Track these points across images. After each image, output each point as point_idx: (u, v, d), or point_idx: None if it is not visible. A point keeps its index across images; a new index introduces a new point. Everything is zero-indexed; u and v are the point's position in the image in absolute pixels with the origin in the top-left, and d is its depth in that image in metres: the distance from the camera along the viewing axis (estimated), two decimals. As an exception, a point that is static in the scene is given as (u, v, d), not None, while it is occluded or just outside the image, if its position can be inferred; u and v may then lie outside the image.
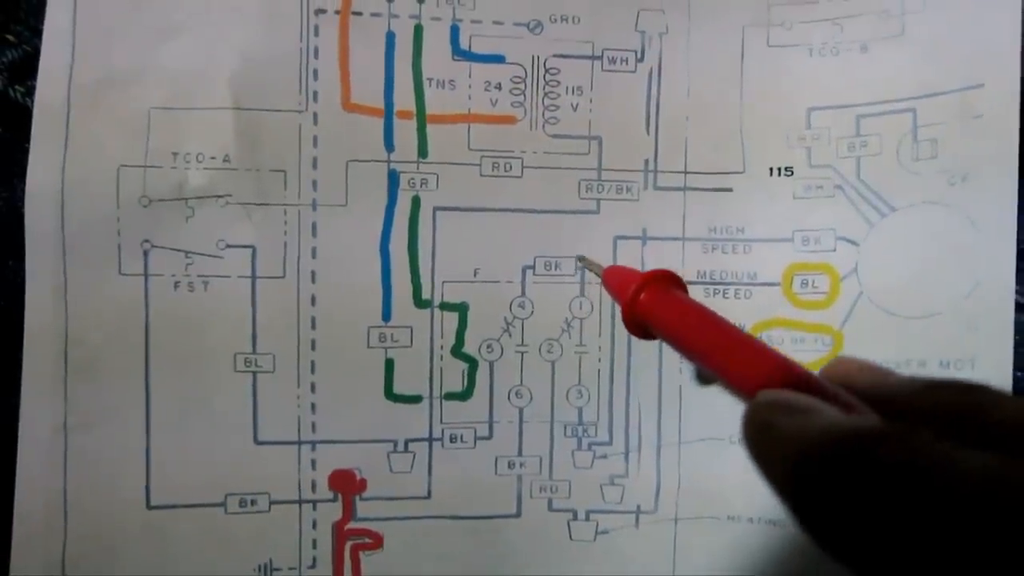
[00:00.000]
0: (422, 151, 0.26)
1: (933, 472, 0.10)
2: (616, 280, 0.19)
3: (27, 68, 0.25)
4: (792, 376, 0.14)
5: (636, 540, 0.27)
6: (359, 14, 0.26)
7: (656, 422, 0.27)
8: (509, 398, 0.27)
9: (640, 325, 0.18)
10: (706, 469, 0.27)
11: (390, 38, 0.26)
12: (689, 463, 0.27)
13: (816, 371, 0.14)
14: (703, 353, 0.16)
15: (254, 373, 0.26)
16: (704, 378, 0.16)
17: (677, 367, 0.27)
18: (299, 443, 0.26)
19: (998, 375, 0.25)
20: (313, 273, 0.26)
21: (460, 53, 0.26)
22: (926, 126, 0.26)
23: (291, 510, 0.26)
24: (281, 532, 0.26)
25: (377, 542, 0.27)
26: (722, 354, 0.15)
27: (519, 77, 0.27)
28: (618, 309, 0.27)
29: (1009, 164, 0.25)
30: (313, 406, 0.26)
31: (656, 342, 0.19)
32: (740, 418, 0.13)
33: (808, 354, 0.27)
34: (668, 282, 0.18)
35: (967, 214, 0.25)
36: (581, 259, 0.26)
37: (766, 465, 0.12)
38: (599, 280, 0.21)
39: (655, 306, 0.17)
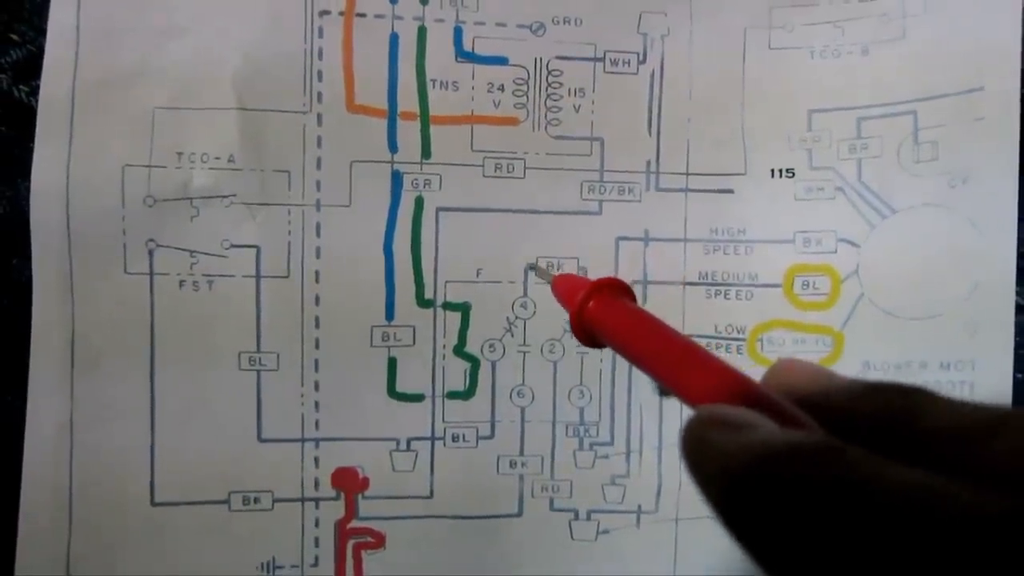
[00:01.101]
0: (425, 152, 0.26)
1: (861, 489, 0.10)
2: (565, 288, 0.19)
3: (31, 67, 0.25)
4: (734, 386, 0.14)
5: (637, 540, 0.27)
6: (363, 16, 0.26)
7: (657, 422, 0.27)
8: (511, 398, 0.27)
9: (588, 333, 0.18)
10: (707, 469, 0.27)
11: (394, 40, 0.26)
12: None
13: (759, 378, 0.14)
14: (648, 362, 0.16)
15: (258, 371, 0.26)
16: (663, 389, 0.16)
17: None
18: (302, 441, 0.26)
19: (998, 377, 0.25)
20: (317, 273, 0.26)
21: (463, 55, 0.26)
22: (927, 128, 0.26)
23: (294, 508, 0.26)
24: (284, 530, 0.26)
25: (379, 541, 0.27)
26: (666, 364, 0.15)
27: (522, 79, 0.27)
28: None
29: (1010, 166, 0.25)
30: (316, 404, 0.26)
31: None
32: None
33: (809, 355, 0.27)
34: (616, 290, 0.18)
35: (968, 216, 0.25)
36: (532, 267, 0.26)
37: (701, 481, 0.13)
38: (550, 287, 0.21)
39: (602, 314, 0.17)
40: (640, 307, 0.17)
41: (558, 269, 0.27)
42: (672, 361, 0.15)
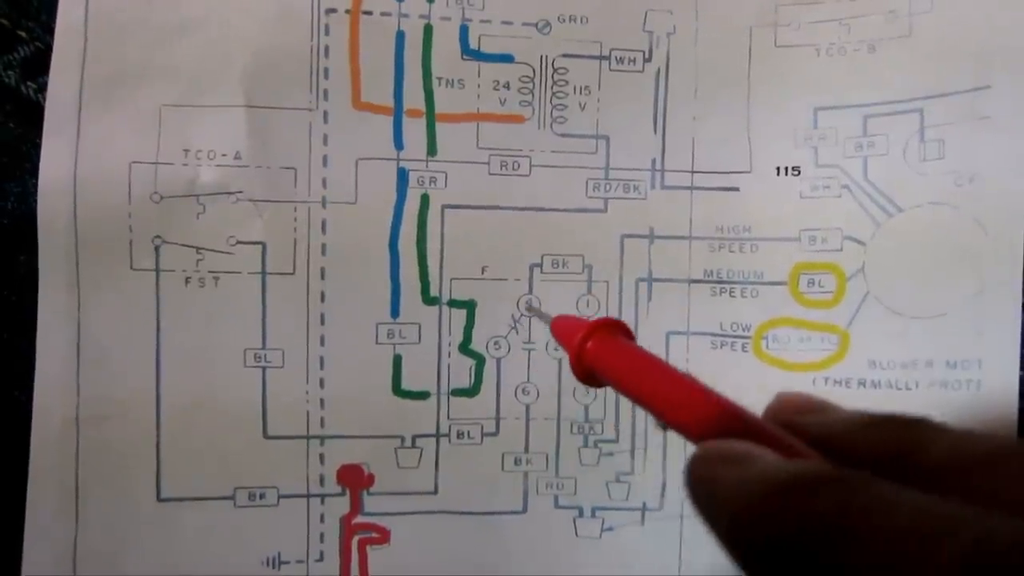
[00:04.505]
0: (431, 149, 0.26)
1: (870, 515, 0.10)
2: (563, 329, 0.20)
3: (39, 64, 0.25)
4: (734, 421, 0.14)
5: (642, 537, 0.27)
6: (369, 13, 0.26)
7: (662, 420, 0.27)
8: (516, 395, 0.27)
9: (588, 373, 0.18)
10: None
11: (400, 37, 0.26)
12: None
13: (760, 412, 0.14)
14: (648, 401, 0.16)
15: (263, 368, 0.26)
16: (663, 424, 0.17)
17: (684, 367, 0.27)
18: (308, 438, 0.26)
19: (1005, 376, 0.25)
20: (322, 270, 0.26)
21: (469, 53, 0.26)
22: (933, 127, 0.26)
23: (299, 504, 0.26)
24: (289, 526, 0.26)
25: (384, 536, 0.27)
26: (665, 401, 0.15)
27: (527, 77, 0.27)
28: (625, 308, 0.27)
29: (1017, 165, 0.25)
30: (322, 401, 0.26)
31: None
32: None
33: (814, 353, 0.27)
34: (614, 330, 0.18)
35: (974, 215, 0.25)
36: (529, 308, 0.26)
37: (709, 519, 0.13)
38: (547, 328, 0.21)
39: (601, 354, 0.17)
40: (638, 346, 0.17)
41: (564, 266, 0.27)
42: (671, 398, 0.15)
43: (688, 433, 0.14)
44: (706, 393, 0.15)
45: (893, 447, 0.13)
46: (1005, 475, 0.12)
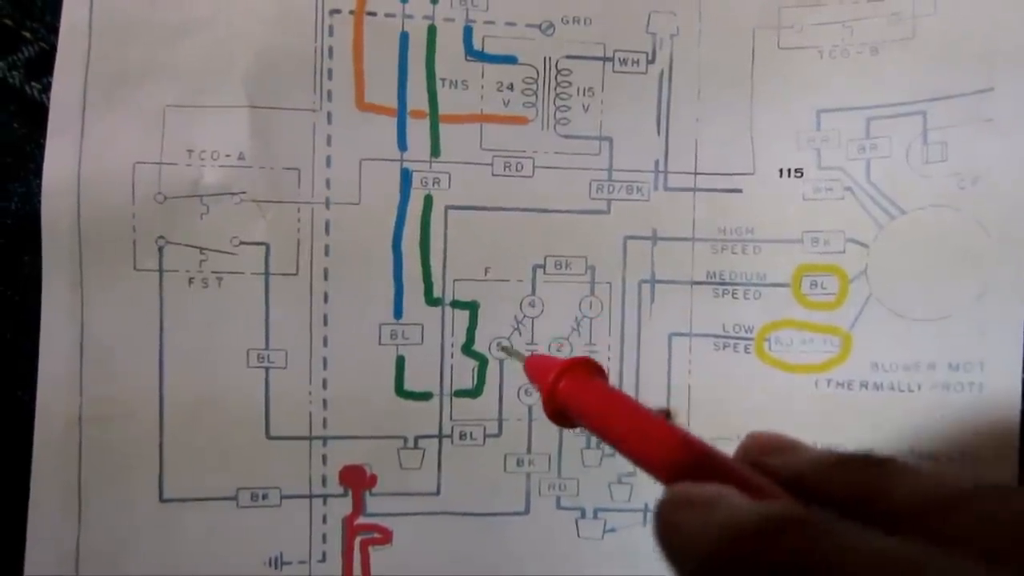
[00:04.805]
0: (435, 150, 0.26)
1: (835, 556, 0.10)
2: (535, 368, 0.20)
3: (44, 65, 0.25)
4: (701, 460, 0.14)
5: (644, 538, 0.27)
6: (373, 14, 0.26)
7: (664, 421, 0.27)
8: (519, 396, 0.27)
9: (560, 412, 0.18)
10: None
11: (404, 38, 0.26)
12: (697, 462, 0.27)
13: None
14: (617, 442, 0.16)
15: (266, 369, 0.26)
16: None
17: (686, 368, 0.27)
18: (310, 439, 0.26)
19: (1007, 378, 0.25)
20: (326, 270, 0.26)
21: (473, 54, 0.26)
22: (936, 129, 0.26)
23: (302, 504, 0.26)
24: (291, 526, 0.26)
25: (386, 537, 0.27)
26: (633, 443, 0.15)
27: (531, 78, 0.27)
28: (628, 310, 0.27)
29: (1020, 167, 0.25)
30: (325, 402, 0.26)
31: None
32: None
33: (816, 355, 0.27)
34: (588, 369, 0.18)
35: (977, 217, 0.25)
36: (503, 348, 0.26)
37: (676, 566, 0.13)
38: (522, 368, 0.21)
39: (573, 394, 0.17)
40: (610, 386, 0.17)
41: (567, 268, 0.27)
42: (639, 440, 0.15)
43: (657, 475, 0.15)
44: (675, 434, 0.15)
45: (859, 488, 0.13)
46: (966, 518, 0.12)
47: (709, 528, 0.12)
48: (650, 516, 0.27)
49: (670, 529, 0.13)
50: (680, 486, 0.13)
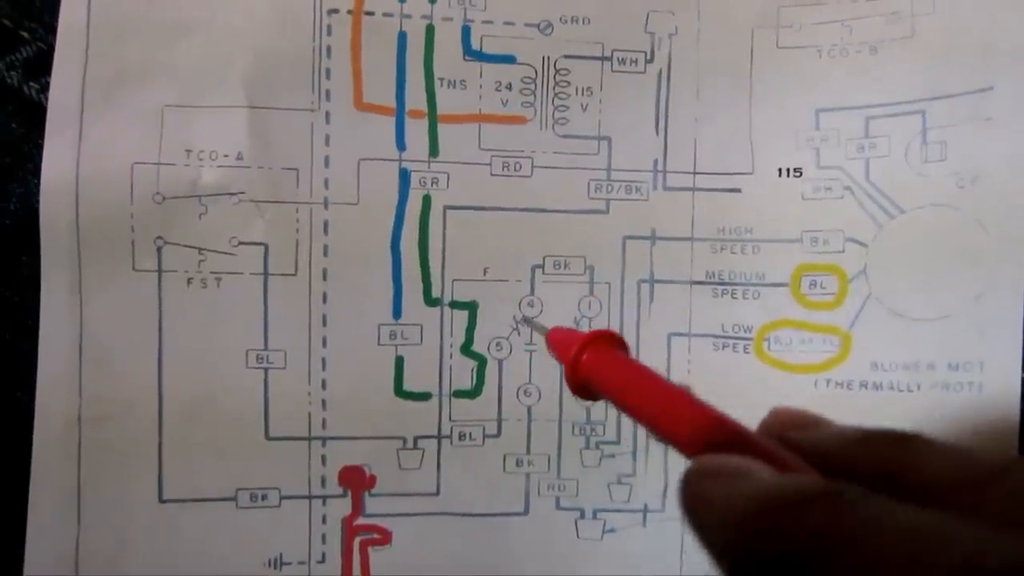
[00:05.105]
0: (433, 150, 0.26)
1: (865, 530, 0.10)
2: (559, 342, 0.19)
3: (41, 65, 0.25)
4: (729, 435, 0.14)
5: (643, 539, 0.27)
6: (371, 14, 0.26)
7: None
8: (518, 396, 0.27)
9: (583, 386, 0.18)
10: (713, 468, 0.27)
11: (402, 38, 0.26)
12: (696, 462, 0.27)
13: (759, 416, 0.14)
14: (641, 415, 0.16)
15: (265, 369, 0.26)
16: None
17: (685, 368, 0.27)
18: (309, 439, 0.26)
19: (1007, 378, 0.25)
20: (324, 271, 0.26)
21: (471, 53, 0.26)
22: (935, 128, 0.26)
23: (301, 505, 0.26)
24: (291, 527, 0.26)
25: (386, 538, 0.27)
26: (659, 416, 0.15)
27: (529, 77, 0.27)
28: (627, 310, 0.27)
29: (1019, 167, 0.25)
30: (324, 402, 0.26)
31: None
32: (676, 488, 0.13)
33: (816, 355, 0.27)
34: (610, 342, 0.18)
35: (976, 216, 0.25)
36: (526, 320, 0.26)
37: (702, 535, 0.13)
38: (544, 340, 0.21)
39: (595, 367, 0.17)
40: (633, 359, 0.17)
41: (566, 268, 0.27)
42: (665, 412, 0.15)
43: (682, 448, 0.14)
44: (700, 407, 0.15)
45: (886, 462, 0.13)
46: (998, 492, 0.12)
47: (735, 499, 0.12)
48: (650, 517, 0.27)
49: (696, 500, 0.13)
50: (706, 457, 0.13)
